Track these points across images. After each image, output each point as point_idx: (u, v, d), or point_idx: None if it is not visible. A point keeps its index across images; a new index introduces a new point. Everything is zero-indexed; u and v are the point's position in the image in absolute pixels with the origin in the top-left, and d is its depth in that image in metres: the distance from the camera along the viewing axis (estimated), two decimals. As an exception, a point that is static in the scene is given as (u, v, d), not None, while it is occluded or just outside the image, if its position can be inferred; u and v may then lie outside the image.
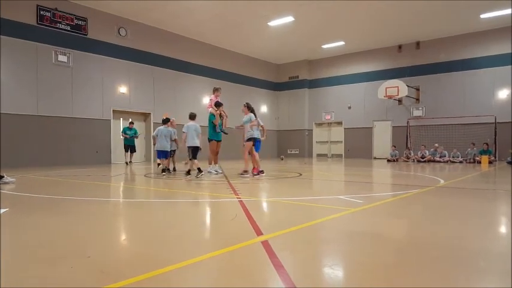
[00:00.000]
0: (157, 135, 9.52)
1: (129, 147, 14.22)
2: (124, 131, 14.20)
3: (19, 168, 10.63)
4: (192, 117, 8.82)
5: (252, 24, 16.20)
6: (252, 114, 8.72)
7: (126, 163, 13.96)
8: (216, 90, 9.79)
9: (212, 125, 9.30)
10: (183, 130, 8.56)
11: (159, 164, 9.91)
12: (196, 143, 8.50)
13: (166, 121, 9.69)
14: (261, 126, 9.08)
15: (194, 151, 8.50)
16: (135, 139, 14.39)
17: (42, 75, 12.79)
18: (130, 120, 14.84)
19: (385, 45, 19.37)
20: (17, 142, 12.14)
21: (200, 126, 8.76)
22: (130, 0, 13.50)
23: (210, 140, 9.32)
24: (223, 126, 9.44)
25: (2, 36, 11.84)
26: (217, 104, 9.32)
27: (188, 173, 8.48)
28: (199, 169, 8.24)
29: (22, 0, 12.24)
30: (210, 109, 9.45)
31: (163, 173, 9.03)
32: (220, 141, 9.56)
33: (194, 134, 8.51)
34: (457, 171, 10.97)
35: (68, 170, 10.79)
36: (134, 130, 14.35)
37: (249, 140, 8.63)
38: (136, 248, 2.79)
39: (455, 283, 2.02)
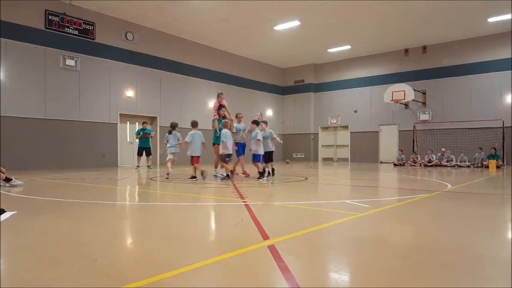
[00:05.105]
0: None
1: (144, 149, 13.48)
2: (138, 133, 13.71)
3: (27, 171, 10.72)
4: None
5: (258, 29, 16.25)
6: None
7: (137, 167, 13.23)
8: (218, 96, 9.92)
9: (215, 130, 9.53)
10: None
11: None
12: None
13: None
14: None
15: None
16: (150, 138, 13.66)
17: (50, 79, 12.92)
18: (144, 121, 14.35)
19: (391, 49, 19.31)
20: (25, 145, 12.26)
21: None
22: (138, 3, 13.59)
23: (214, 144, 9.52)
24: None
25: (11, 41, 12.01)
26: (219, 107, 9.55)
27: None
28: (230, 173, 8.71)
29: (31, 4, 12.41)
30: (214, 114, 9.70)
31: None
32: None
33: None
34: (465, 175, 10.87)
35: (75, 173, 10.86)
36: (148, 130, 13.88)
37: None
38: (142, 252, 2.79)
39: (464, 289, 1.99)
